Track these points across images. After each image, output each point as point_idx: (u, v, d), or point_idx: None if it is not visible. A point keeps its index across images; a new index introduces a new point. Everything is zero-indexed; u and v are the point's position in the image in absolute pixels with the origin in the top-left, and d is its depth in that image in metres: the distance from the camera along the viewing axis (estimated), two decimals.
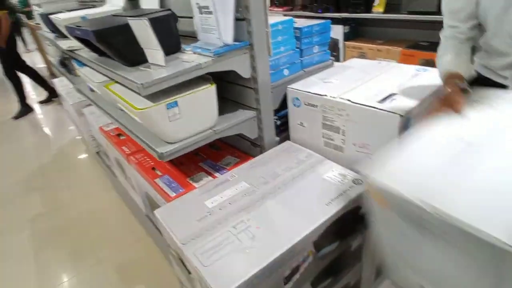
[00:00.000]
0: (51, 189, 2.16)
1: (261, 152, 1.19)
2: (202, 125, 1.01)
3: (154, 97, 0.91)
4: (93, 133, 2.05)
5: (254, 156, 1.20)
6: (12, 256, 1.64)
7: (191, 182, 1.15)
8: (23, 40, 6.27)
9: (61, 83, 2.43)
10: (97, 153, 2.19)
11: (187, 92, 0.93)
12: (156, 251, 1.55)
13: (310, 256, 0.86)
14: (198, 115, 0.98)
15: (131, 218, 1.77)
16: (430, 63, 1.46)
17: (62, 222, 1.83)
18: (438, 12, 1.65)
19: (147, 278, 1.42)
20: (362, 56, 2.57)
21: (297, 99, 1.12)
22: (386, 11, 2.38)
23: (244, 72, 1.04)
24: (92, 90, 1.57)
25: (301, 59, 1.23)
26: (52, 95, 3.77)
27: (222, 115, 1.08)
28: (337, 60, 2.63)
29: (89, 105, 2.01)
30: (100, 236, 1.69)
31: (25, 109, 3.54)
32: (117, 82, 1.08)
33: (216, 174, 1.17)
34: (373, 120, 0.93)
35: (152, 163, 1.29)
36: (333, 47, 2.79)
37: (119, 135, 1.58)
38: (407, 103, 0.92)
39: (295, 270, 0.84)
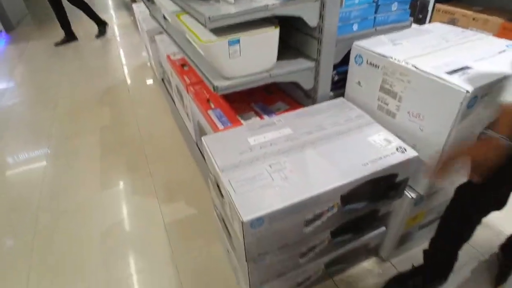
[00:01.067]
0: (118, 106, 2.40)
1: (313, 104, 1.20)
2: (260, 67, 1.04)
3: (219, 32, 0.95)
4: (161, 60, 2.19)
5: (305, 106, 1.21)
6: (84, 155, 1.93)
7: (239, 119, 1.21)
8: None
9: (139, 8, 2.55)
10: (162, 79, 2.35)
11: (250, 32, 0.95)
12: (198, 176, 1.70)
13: (335, 207, 0.90)
14: (257, 56, 1.01)
15: (182, 142, 1.94)
16: None
17: (124, 135, 2.07)
18: None
19: (187, 197, 1.59)
20: (452, 22, 2.30)
21: (360, 56, 1.08)
22: None
23: (311, 20, 1.02)
24: (165, 18, 1.65)
25: (375, 15, 1.15)
26: (70, 38, 3.73)
27: (280, 60, 1.09)
28: (422, 23, 2.38)
29: (161, 32, 2.12)
30: (154, 154, 1.89)
31: (103, 28, 3.81)
32: (188, 13, 1.13)
33: (265, 116, 1.22)
34: (435, 92, 0.88)
35: (208, 96, 1.37)
36: (421, 8, 2.52)
37: (183, 65, 1.67)
38: (479, 80, 0.85)
39: (317, 217, 0.89)
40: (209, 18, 0.87)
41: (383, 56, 1.00)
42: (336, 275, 1.22)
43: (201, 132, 1.45)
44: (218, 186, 0.99)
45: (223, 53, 0.95)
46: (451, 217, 1.00)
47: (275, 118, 1.09)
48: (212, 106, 1.31)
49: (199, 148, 1.62)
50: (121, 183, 1.70)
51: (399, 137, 0.99)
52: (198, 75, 1.53)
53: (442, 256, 1.09)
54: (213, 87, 1.00)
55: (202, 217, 1.49)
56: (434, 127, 0.92)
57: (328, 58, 1.10)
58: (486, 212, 0.96)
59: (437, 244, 1.07)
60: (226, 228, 1.08)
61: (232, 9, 0.91)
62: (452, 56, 0.97)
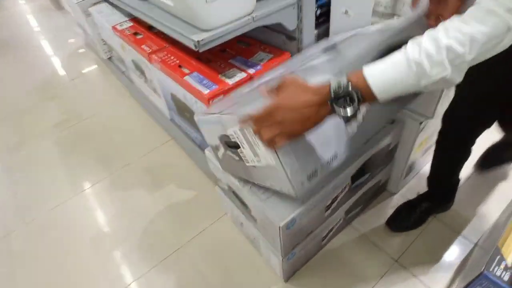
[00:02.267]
0: (65, 98, 2.09)
1: (298, 47, 1.09)
2: (240, 10, 0.89)
3: None
4: (103, 36, 1.90)
5: (290, 52, 1.10)
6: (42, 162, 1.66)
7: (223, 79, 1.07)
8: None
9: None
10: (109, 58, 2.07)
11: None
12: (182, 153, 1.56)
13: (347, 187, 0.92)
14: None
15: (153, 123, 1.75)
16: None
17: (83, 129, 1.82)
18: None
19: (177, 178, 1.45)
20: None
21: None
22: None
23: None
24: None
25: None
26: None
27: (259, 1, 0.95)
28: None
29: (97, 2, 1.82)
30: (125, 141, 1.69)
31: None
32: None
33: (250, 71, 1.09)
34: None
35: (177, 61, 1.20)
36: None
37: (135, 34, 1.45)
38: None
39: (334, 200, 0.92)
40: None
41: None
42: (354, 219, 1.20)
43: (178, 105, 1.29)
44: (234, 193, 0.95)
45: None
46: (444, 142, 0.97)
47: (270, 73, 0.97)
48: (186, 71, 1.15)
49: (176, 125, 1.46)
50: (97, 180, 1.51)
51: None
52: (159, 41, 1.34)
53: (443, 180, 1.09)
54: (194, 43, 0.84)
55: (198, 196, 1.37)
56: None
57: None
58: (476, 132, 0.91)
59: (437, 169, 1.07)
60: (241, 201, 0.98)
61: None
62: None
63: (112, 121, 1.84)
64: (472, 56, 0.47)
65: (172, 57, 1.23)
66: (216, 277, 1.10)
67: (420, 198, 1.15)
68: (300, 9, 1.00)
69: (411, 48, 0.50)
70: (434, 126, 1.10)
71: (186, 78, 1.11)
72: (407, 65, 0.50)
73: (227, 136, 0.75)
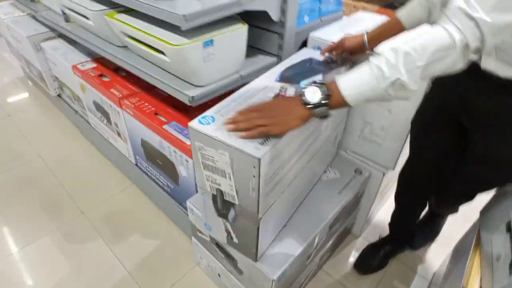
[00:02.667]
0: (3, 137, 1.87)
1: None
2: (231, 68, 0.95)
3: (186, 34, 0.81)
4: (55, 72, 1.78)
5: None
6: None
7: None
8: None
9: (2, 10, 2.01)
10: (58, 95, 1.93)
11: (223, 31, 0.85)
12: (144, 199, 1.48)
13: (325, 235, 1.01)
14: (229, 57, 0.91)
15: (111, 168, 1.65)
16: None
17: (27, 172, 1.63)
18: None
19: (139, 227, 1.37)
20: None
21: (319, 48, 1.09)
22: None
23: (275, 14, 0.97)
24: (67, 20, 1.34)
25: (320, 6, 1.18)
26: None
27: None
28: None
29: (51, 38, 1.72)
30: (78, 187, 1.55)
31: None
32: (126, 11, 0.93)
33: None
34: None
35: (153, 108, 1.19)
36: None
37: (101, 75, 1.40)
38: None
39: (315, 247, 0.99)
40: (184, 16, 0.73)
41: None
42: (324, 264, 1.25)
43: (149, 152, 1.25)
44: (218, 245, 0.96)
45: (197, 57, 0.82)
46: (401, 199, 1.13)
47: None
48: (164, 119, 1.14)
49: (141, 169, 1.40)
50: (46, 233, 1.34)
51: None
52: (128, 85, 1.31)
53: (404, 228, 1.23)
54: (188, 98, 0.86)
55: (165, 245, 1.30)
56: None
57: (290, 52, 1.08)
58: (430, 190, 1.07)
59: (396, 217, 1.20)
60: (226, 254, 0.97)
61: (198, 6, 0.79)
62: None
63: (61, 163, 1.68)
64: (423, 62, 0.55)
65: (146, 104, 1.21)
66: None
67: (383, 241, 1.26)
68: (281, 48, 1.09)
69: (374, 56, 0.59)
70: (392, 176, 1.24)
71: (165, 127, 1.10)
72: (369, 68, 0.58)
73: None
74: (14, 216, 1.41)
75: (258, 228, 0.77)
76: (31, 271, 1.21)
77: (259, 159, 0.62)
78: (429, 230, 1.30)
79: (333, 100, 0.61)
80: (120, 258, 1.25)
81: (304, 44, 1.12)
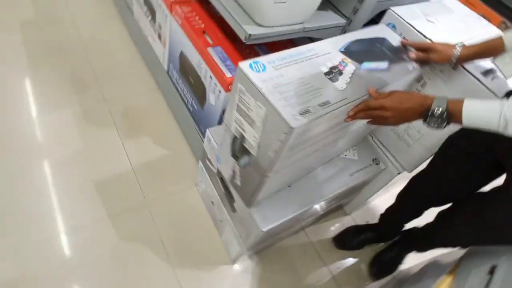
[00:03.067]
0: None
1: None
2: (297, 17, 0.88)
3: None
4: None
5: None
6: (2, 60, 1.46)
7: None
8: None
9: None
10: None
11: None
12: (165, 108, 1.50)
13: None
14: (300, 5, 0.84)
15: (141, 65, 1.64)
16: None
17: (58, 38, 1.62)
18: None
19: (154, 132, 1.41)
20: None
21: (394, 26, 1.00)
22: None
23: None
24: None
25: None
26: None
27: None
28: None
29: None
30: (105, 72, 1.56)
31: None
32: None
33: None
34: (465, 89, 0.90)
35: (202, 25, 1.14)
36: None
37: None
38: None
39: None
40: None
41: (422, 35, 0.95)
42: (308, 227, 1.32)
43: (185, 66, 1.23)
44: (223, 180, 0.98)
45: None
46: (402, 199, 1.14)
47: None
48: (210, 41, 1.10)
49: (172, 81, 1.40)
50: (66, 105, 1.39)
51: None
52: None
53: (392, 224, 1.26)
54: (245, 35, 0.82)
55: (173, 158, 1.36)
56: None
57: (362, 19, 1.00)
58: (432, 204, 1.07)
59: (390, 213, 1.23)
60: (226, 189, 1.02)
61: None
62: None
63: (95, 43, 1.67)
64: None
65: (197, 18, 1.15)
66: (172, 241, 1.15)
67: (368, 227, 1.32)
68: (344, 32, 1.02)
69: (508, 106, 0.61)
70: (405, 176, 1.24)
71: (210, 50, 1.06)
72: (498, 116, 0.61)
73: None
74: (40, 80, 1.45)
75: (263, 182, 0.80)
76: (48, 137, 1.29)
77: (293, 128, 0.62)
78: (390, 262, 1.25)
79: (451, 120, 0.66)
80: (129, 153, 1.32)
81: (379, 15, 1.03)
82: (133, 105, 1.48)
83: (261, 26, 0.84)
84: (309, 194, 0.97)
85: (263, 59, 0.72)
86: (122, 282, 1.03)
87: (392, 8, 1.00)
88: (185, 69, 1.24)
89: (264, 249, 1.20)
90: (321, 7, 0.99)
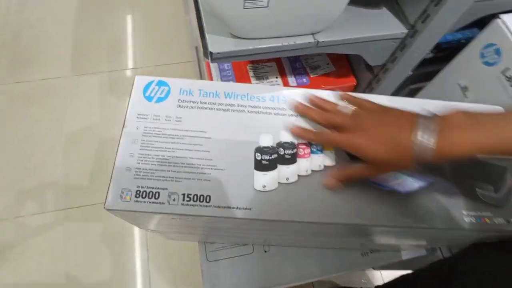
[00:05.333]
0: None
1: (372, 83, 0.73)
2: (305, 26, 0.53)
3: None
4: None
5: (359, 81, 0.75)
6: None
7: (250, 73, 0.76)
8: None
9: None
10: None
11: None
12: None
13: None
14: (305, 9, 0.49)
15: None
16: None
17: None
18: None
19: None
20: None
21: (498, 51, 0.55)
22: None
23: None
24: None
25: None
26: None
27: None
28: None
29: None
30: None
31: None
32: None
33: (290, 79, 0.76)
34: None
35: None
36: None
37: None
38: None
39: None
40: None
41: None
42: None
43: None
44: None
45: None
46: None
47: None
48: None
49: None
50: (97, 72, 1.29)
51: None
52: None
53: None
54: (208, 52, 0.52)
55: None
56: None
57: (438, 29, 0.57)
58: None
59: None
60: None
61: None
62: None
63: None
64: None
65: None
66: None
67: None
68: (404, 45, 0.61)
69: None
70: None
71: None
72: None
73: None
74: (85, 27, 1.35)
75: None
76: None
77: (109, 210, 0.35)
78: None
79: None
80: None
81: (476, 24, 0.58)
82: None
83: (239, 38, 0.53)
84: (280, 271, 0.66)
85: (177, 83, 0.42)
86: None
87: (503, 16, 0.54)
88: None
89: None
90: (374, 4, 0.60)
